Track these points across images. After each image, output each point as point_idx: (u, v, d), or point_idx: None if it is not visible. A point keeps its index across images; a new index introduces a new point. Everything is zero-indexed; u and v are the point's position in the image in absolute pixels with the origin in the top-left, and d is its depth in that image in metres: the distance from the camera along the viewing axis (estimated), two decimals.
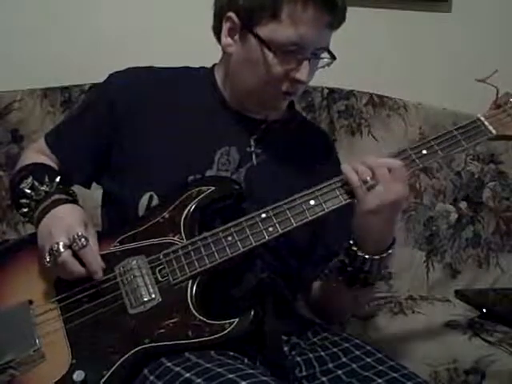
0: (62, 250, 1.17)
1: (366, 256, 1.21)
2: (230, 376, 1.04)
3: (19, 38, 1.97)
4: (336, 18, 1.25)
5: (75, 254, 1.18)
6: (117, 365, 1.13)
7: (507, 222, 2.09)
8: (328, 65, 1.31)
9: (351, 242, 1.22)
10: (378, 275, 1.26)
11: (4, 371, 1.14)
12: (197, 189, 1.27)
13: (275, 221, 1.20)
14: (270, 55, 1.24)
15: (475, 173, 2.10)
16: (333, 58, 1.29)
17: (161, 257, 1.21)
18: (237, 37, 1.28)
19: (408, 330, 1.71)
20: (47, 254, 1.18)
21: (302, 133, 1.45)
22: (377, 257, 1.21)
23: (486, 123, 1.26)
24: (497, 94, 1.30)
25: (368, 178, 1.17)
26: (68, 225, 1.21)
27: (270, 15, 1.23)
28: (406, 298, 1.90)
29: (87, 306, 1.19)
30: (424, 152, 1.23)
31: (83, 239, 1.18)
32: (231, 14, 1.27)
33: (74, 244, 1.18)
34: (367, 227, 1.19)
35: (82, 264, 1.19)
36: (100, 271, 1.20)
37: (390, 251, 1.22)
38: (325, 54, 1.29)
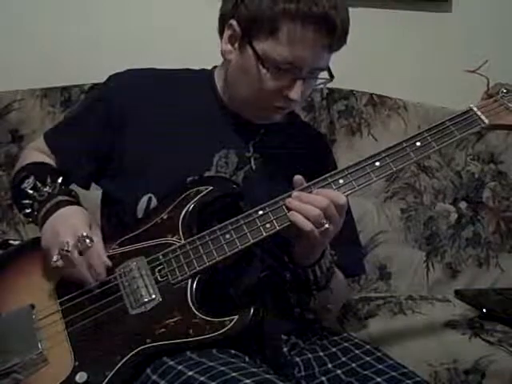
0: (71, 249, 1.18)
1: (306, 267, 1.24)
2: (233, 374, 1.04)
3: (19, 38, 1.97)
4: (335, 40, 1.23)
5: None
6: (119, 365, 1.13)
7: (507, 222, 2.10)
8: (324, 84, 1.30)
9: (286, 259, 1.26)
10: (326, 277, 1.27)
11: (7, 375, 1.14)
12: (195, 189, 1.27)
13: (272, 217, 1.20)
14: (263, 70, 1.24)
15: (475, 173, 2.10)
16: (331, 77, 1.29)
17: (160, 257, 1.22)
18: (236, 45, 1.28)
19: (408, 330, 1.70)
20: (56, 254, 1.18)
21: (301, 137, 1.45)
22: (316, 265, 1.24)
23: (479, 113, 1.26)
24: (488, 84, 1.31)
25: (321, 221, 1.16)
26: (73, 225, 1.22)
27: (269, 31, 1.22)
28: (406, 298, 1.90)
29: (88, 308, 1.20)
30: (418, 144, 1.23)
31: (88, 240, 1.19)
32: (233, 22, 1.26)
33: (79, 244, 1.18)
34: (311, 251, 1.23)
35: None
36: (103, 273, 1.21)
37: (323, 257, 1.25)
38: (323, 74, 1.29)
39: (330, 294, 1.30)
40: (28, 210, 1.29)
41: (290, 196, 1.20)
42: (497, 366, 1.56)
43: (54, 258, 1.18)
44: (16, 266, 1.29)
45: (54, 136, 1.43)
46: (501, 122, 1.28)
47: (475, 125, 1.26)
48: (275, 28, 1.21)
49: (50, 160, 1.40)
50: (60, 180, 1.30)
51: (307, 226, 1.16)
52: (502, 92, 1.29)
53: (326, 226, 1.16)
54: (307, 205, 1.17)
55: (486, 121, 1.26)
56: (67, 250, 1.17)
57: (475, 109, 1.27)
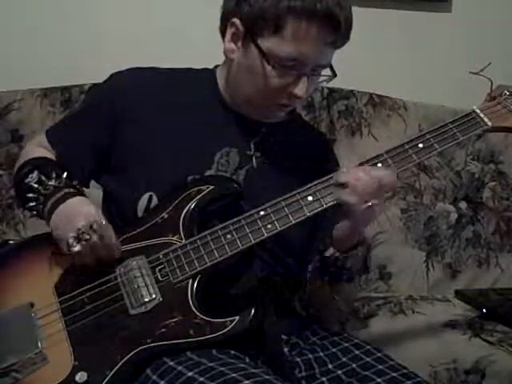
0: (87, 230, 1.18)
1: (345, 254, 1.25)
2: (233, 375, 1.04)
3: (19, 38, 1.97)
4: (340, 37, 1.24)
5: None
6: (119, 365, 1.13)
7: (507, 222, 2.09)
8: (327, 81, 1.31)
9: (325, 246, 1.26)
10: (361, 266, 1.30)
11: (7, 374, 1.14)
12: (196, 188, 1.27)
13: (274, 218, 1.20)
14: (268, 68, 1.24)
15: (475, 173, 2.10)
16: (334, 75, 1.29)
17: (160, 257, 1.22)
18: (239, 43, 1.28)
19: (408, 330, 1.70)
20: (73, 240, 1.18)
21: (302, 136, 1.45)
22: (355, 251, 1.25)
23: (482, 115, 1.27)
24: (491, 86, 1.31)
25: (367, 198, 1.16)
26: (83, 211, 1.22)
27: (273, 29, 1.22)
28: (406, 298, 1.90)
29: (88, 307, 1.20)
30: (420, 146, 1.23)
31: (103, 221, 1.20)
32: (236, 21, 1.26)
33: (95, 224, 1.18)
34: (354, 231, 1.23)
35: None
36: (119, 246, 1.22)
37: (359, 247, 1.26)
38: (325, 71, 1.29)
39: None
40: (32, 204, 1.29)
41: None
42: (497, 366, 1.56)
43: (71, 243, 1.18)
44: (15, 264, 1.28)
45: (56, 132, 1.43)
46: (504, 124, 1.28)
47: (478, 127, 1.26)
48: (280, 25, 1.21)
49: (51, 155, 1.40)
50: (65, 175, 1.30)
51: (353, 199, 1.17)
52: (505, 94, 1.29)
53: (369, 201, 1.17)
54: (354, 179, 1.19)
55: (489, 123, 1.26)
56: (84, 233, 1.17)
57: (478, 111, 1.27)
